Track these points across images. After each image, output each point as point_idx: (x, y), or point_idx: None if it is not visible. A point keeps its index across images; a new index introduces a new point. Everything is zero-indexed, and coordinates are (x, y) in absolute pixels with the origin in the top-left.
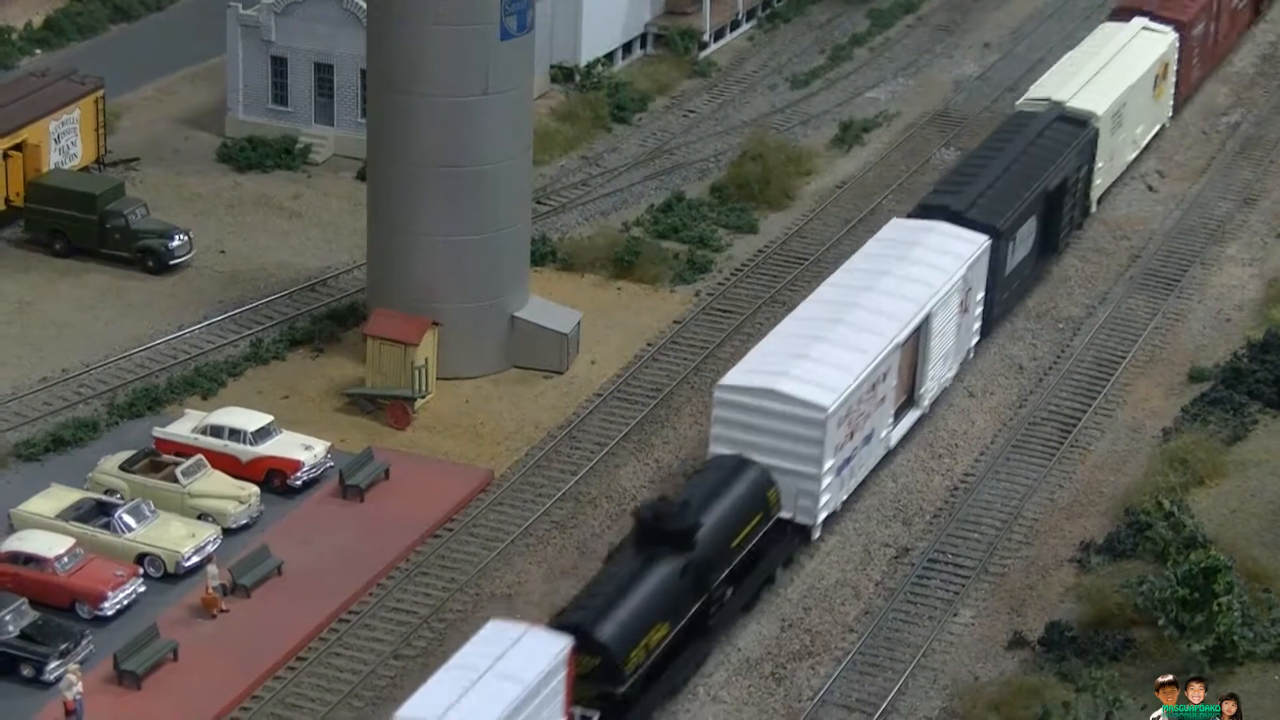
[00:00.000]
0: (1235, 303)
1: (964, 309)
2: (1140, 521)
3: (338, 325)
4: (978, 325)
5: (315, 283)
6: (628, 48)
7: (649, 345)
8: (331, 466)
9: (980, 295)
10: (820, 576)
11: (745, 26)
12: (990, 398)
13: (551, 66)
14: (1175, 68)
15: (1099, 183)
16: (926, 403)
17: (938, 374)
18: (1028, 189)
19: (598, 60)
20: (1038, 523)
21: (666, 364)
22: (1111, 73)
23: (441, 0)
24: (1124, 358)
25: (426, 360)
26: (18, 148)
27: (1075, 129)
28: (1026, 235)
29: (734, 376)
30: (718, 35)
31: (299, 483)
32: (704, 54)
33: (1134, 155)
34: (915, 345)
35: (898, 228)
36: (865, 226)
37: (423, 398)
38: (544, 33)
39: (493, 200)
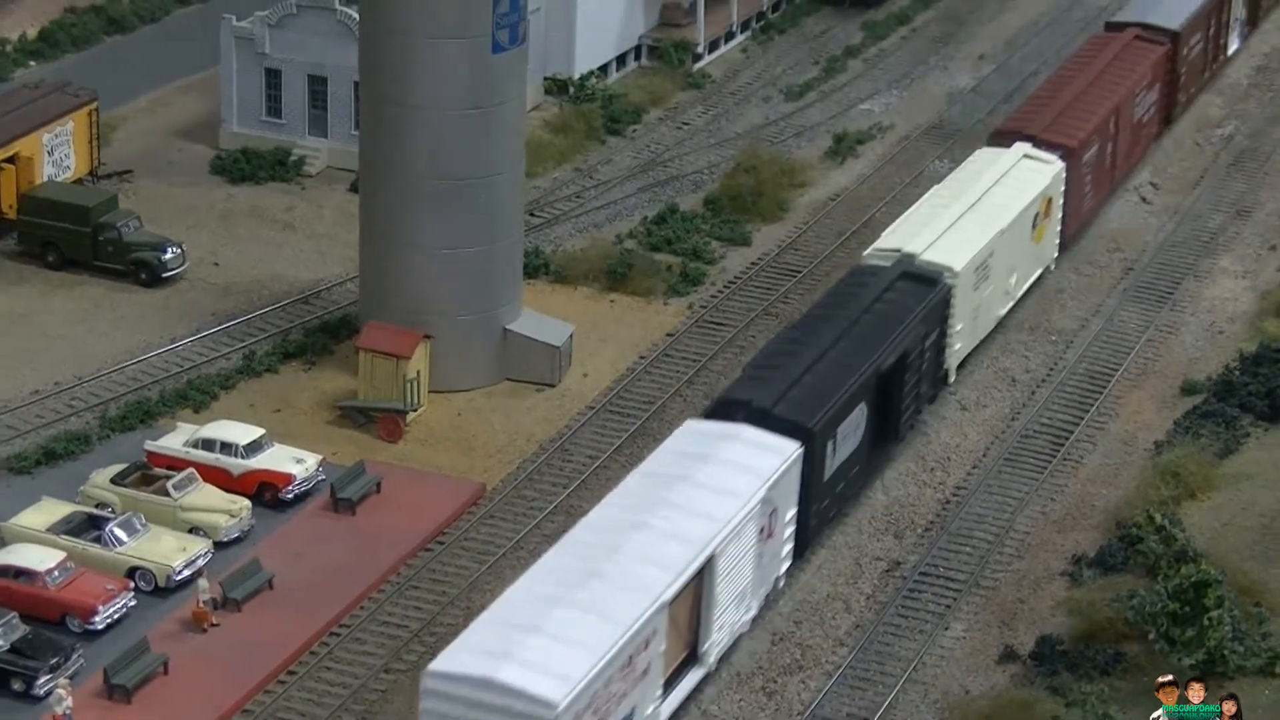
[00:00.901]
0: (1228, 315)
1: (766, 535)
2: (1132, 535)
3: (330, 338)
4: (788, 549)
5: (308, 295)
6: (621, 60)
7: (641, 358)
8: (323, 480)
9: (790, 513)
10: (811, 590)
11: (739, 38)
12: (983, 410)
13: (545, 78)
14: (1062, 201)
15: (957, 348)
16: (713, 659)
17: (729, 620)
18: (854, 372)
19: (591, 72)
20: (1029, 536)
21: (659, 377)
22: (979, 215)
23: (434, 13)
24: (1117, 370)
25: (419, 373)
26: (11, 160)
27: (923, 289)
28: (853, 427)
29: (447, 660)
30: (712, 47)
31: (290, 496)
32: (698, 66)
33: (1008, 308)
34: (695, 595)
35: (690, 434)
36: (858, 239)
37: (415, 410)
38: (538, 45)
39: (485, 213)
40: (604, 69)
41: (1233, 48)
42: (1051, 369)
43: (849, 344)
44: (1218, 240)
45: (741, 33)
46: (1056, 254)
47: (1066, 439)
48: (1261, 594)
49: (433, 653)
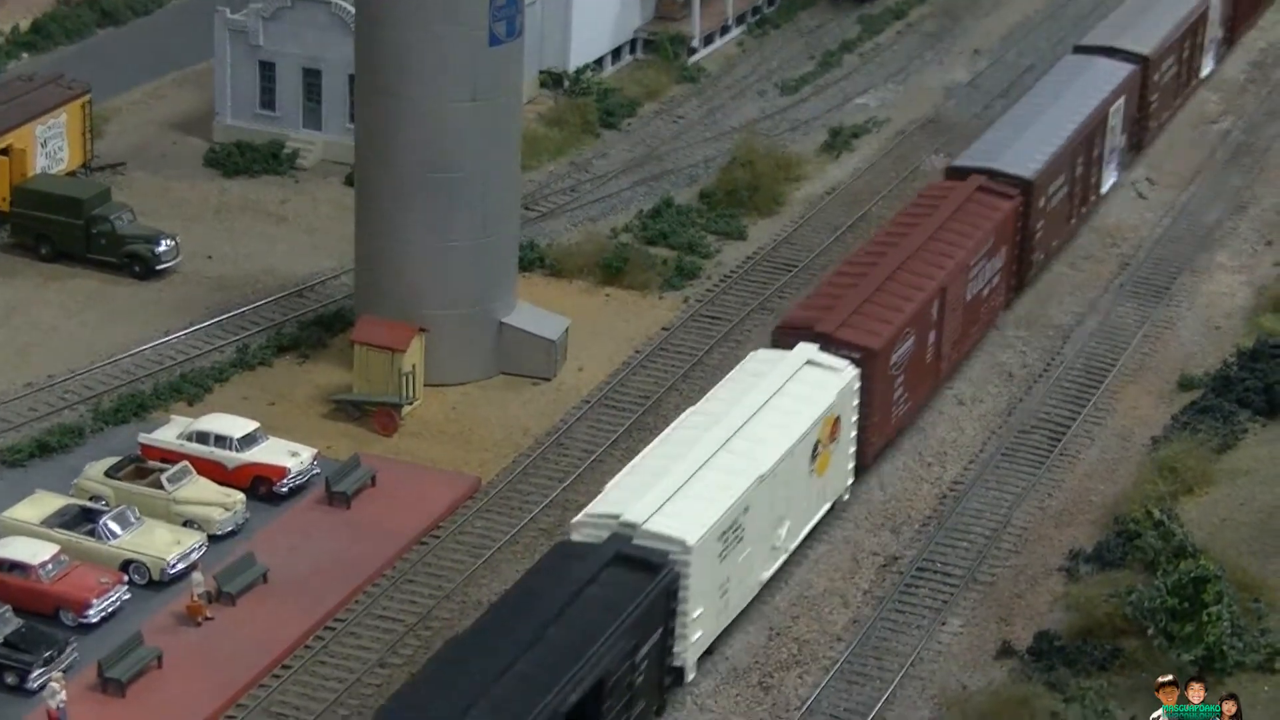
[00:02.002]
0: (1225, 310)
1: None
2: (1129, 530)
3: (325, 331)
4: None
5: (302, 288)
6: (617, 53)
7: (637, 352)
8: (318, 473)
9: None
10: (808, 585)
11: (735, 32)
12: (980, 405)
13: (540, 72)
14: (856, 418)
15: (697, 638)
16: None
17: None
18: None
19: (587, 66)
20: (1027, 531)
21: (655, 371)
22: (734, 457)
23: (430, 6)
24: (1114, 366)
25: (414, 366)
26: (4, 152)
27: (640, 578)
28: None
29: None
30: (707, 41)
31: (285, 489)
32: (693, 59)
33: (778, 565)
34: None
35: None
36: (854, 233)
37: (410, 404)
38: (533, 38)
39: (481, 206)
40: (599, 62)
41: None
42: (1048, 364)
43: (514, 682)
44: (1214, 235)
45: (737, 26)
46: (851, 480)
47: (1064, 434)
48: (1260, 590)
49: (428, 647)
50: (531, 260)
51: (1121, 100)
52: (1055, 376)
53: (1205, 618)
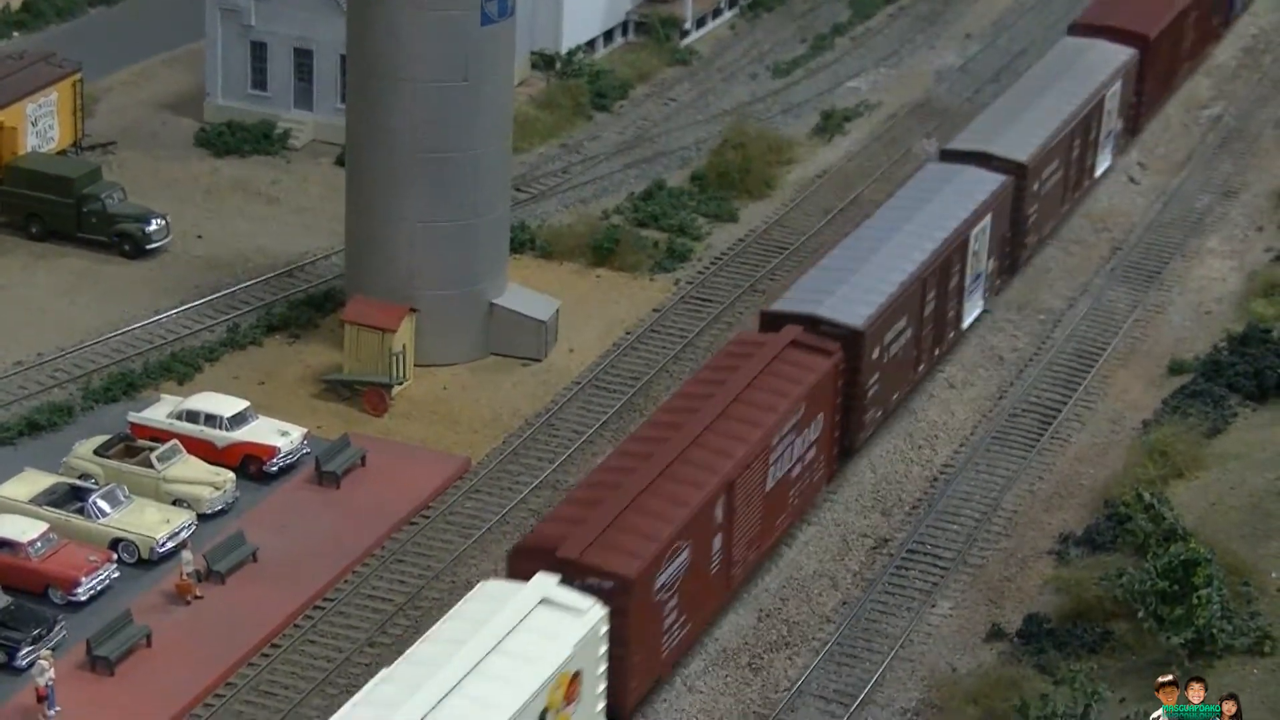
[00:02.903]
0: (1215, 295)
1: None
2: (1120, 514)
3: (315, 311)
4: None
5: (293, 268)
6: (609, 35)
7: (628, 333)
8: (308, 453)
9: None
10: (798, 567)
11: (727, 14)
12: (970, 389)
13: (532, 53)
14: (604, 667)
15: None
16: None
17: None
18: None
19: (579, 47)
20: (1017, 514)
21: (645, 352)
22: None
23: None
24: (1104, 350)
25: (404, 347)
26: None
27: None
28: None
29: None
30: (699, 23)
31: (275, 469)
32: (685, 42)
33: None
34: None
35: None
36: (845, 216)
37: (400, 384)
38: (525, 19)
39: (472, 187)
40: (591, 44)
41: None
42: (1039, 348)
43: None
44: (1205, 221)
45: (729, 9)
46: None
47: (1054, 418)
48: (1250, 573)
49: (418, 627)
50: (523, 241)
51: (989, 219)
52: (1046, 360)
53: (1195, 601)
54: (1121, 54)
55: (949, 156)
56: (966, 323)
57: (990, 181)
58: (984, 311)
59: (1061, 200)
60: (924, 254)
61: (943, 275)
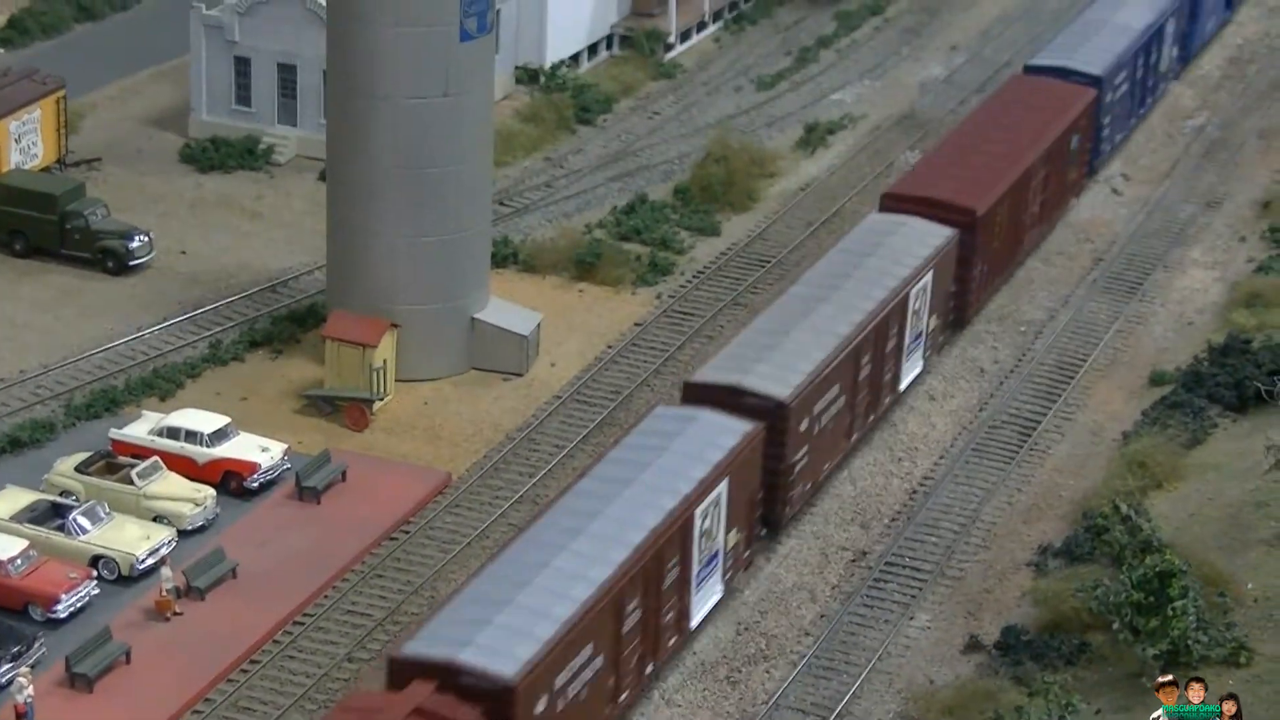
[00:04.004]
0: (1197, 306)
1: None
2: (1098, 525)
3: (297, 326)
4: None
5: (276, 284)
6: (593, 49)
7: (609, 347)
8: (288, 468)
9: None
10: (777, 580)
11: (711, 28)
12: (950, 400)
13: (516, 68)
14: None
15: None
16: None
17: None
18: None
19: (562, 61)
20: (996, 526)
21: (627, 366)
22: None
23: (402, 2)
24: (1085, 361)
25: (385, 362)
26: None
27: None
28: None
29: None
30: (684, 37)
31: (255, 485)
32: (669, 56)
33: None
34: None
35: None
36: (828, 229)
37: (381, 399)
38: (509, 34)
39: (453, 202)
40: (575, 58)
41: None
42: (1020, 359)
43: None
44: (1188, 231)
45: (713, 23)
46: None
47: (1034, 429)
48: (1226, 584)
49: (397, 642)
50: (505, 256)
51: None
52: (1027, 372)
53: (1170, 612)
54: (935, 236)
55: (693, 393)
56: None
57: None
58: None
59: (849, 433)
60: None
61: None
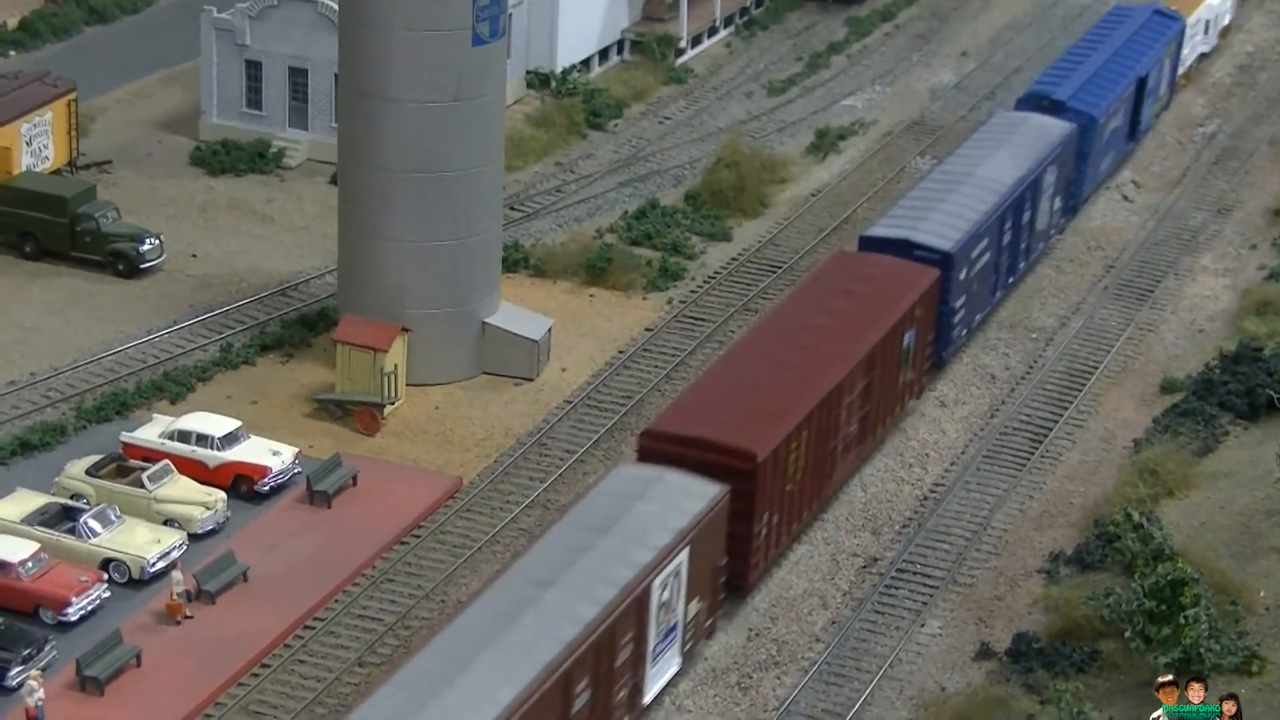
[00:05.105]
0: (1208, 314)
1: None
2: (1109, 533)
3: (308, 330)
4: None
5: (286, 287)
6: (604, 54)
7: (620, 352)
8: (299, 472)
9: None
10: (788, 586)
11: (723, 33)
12: (962, 407)
13: (527, 72)
14: None
15: None
16: None
17: None
18: None
19: (574, 66)
20: (1007, 533)
21: (638, 371)
22: None
23: (413, 6)
24: (1096, 368)
25: (396, 366)
26: None
27: None
28: None
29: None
30: (695, 42)
31: (266, 489)
32: (681, 61)
33: None
34: None
35: None
36: (839, 235)
37: (392, 404)
38: (520, 38)
39: (464, 206)
40: (586, 63)
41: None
42: (1031, 366)
43: None
44: (1199, 239)
45: (725, 28)
46: None
47: (1045, 436)
48: (1238, 592)
49: (408, 647)
50: (516, 260)
51: None
52: (1038, 379)
53: (1183, 620)
54: (695, 498)
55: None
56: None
57: None
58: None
59: None
60: None
61: None
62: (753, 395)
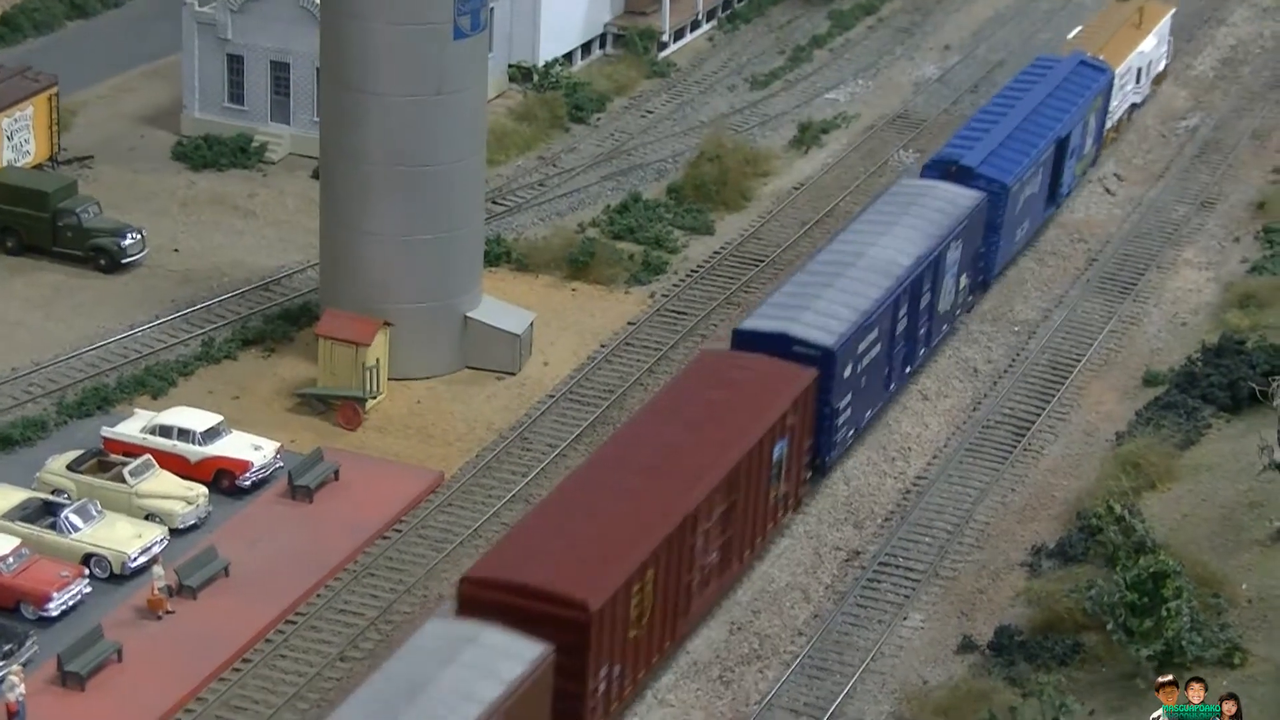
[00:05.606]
0: (1191, 306)
1: None
2: (1091, 526)
3: (290, 325)
4: None
5: (269, 282)
6: (586, 48)
7: (602, 346)
8: (281, 467)
9: None
10: (770, 580)
11: (705, 27)
12: (944, 400)
13: (510, 66)
14: None
15: None
16: None
17: None
18: None
19: (556, 60)
20: (989, 526)
21: (620, 365)
22: None
23: (395, 0)
24: (1079, 361)
25: (378, 360)
26: None
27: None
28: None
29: None
30: (677, 35)
31: (248, 483)
32: (663, 54)
33: None
34: None
35: None
36: (821, 229)
37: (374, 398)
38: (502, 32)
39: (445, 200)
40: (569, 57)
41: None
42: (1014, 359)
43: None
44: (1181, 231)
45: (707, 21)
46: None
47: (1028, 429)
48: (1220, 585)
49: (389, 641)
50: (498, 254)
51: None
52: (1020, 372)
53: (1164, 613)
54: (514, 661)
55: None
56: None
57: None
58: None
59: None
60: None
61: None
62: (591, 530)
